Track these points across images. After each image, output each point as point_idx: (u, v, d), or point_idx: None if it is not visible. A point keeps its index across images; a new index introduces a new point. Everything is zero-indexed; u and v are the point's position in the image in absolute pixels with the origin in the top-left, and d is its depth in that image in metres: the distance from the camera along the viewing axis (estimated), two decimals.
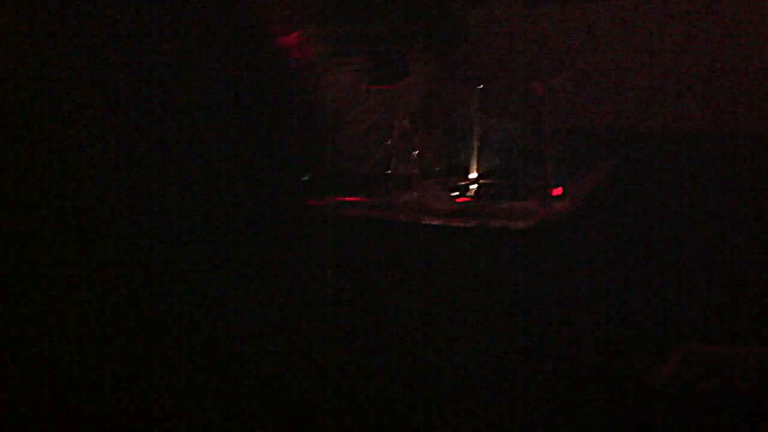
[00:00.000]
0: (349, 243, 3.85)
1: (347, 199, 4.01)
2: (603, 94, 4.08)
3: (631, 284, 3.65)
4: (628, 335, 3.59)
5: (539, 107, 3.92)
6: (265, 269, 3.73)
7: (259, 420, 3.30)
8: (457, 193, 3.98)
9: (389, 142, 4.03)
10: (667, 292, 3.63)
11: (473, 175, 4.00)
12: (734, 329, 3.57)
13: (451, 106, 4.06)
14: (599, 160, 4.10)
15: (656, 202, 3.88)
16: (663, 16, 4.09)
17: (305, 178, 4.02)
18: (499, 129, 3.97)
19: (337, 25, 4.03)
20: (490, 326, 3.69)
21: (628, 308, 3.64)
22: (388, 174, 4.02)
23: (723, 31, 4.03)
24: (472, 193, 3.97)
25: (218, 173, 3.73)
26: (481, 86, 3.99)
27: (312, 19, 4.00)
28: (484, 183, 3.99)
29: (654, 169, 3.95)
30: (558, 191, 3.88)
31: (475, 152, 3.98)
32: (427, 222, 3.88)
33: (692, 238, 3.72)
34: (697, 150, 3.90)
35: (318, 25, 3.96)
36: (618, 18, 4.12)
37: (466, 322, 3.73)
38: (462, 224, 3.86)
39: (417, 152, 4.02)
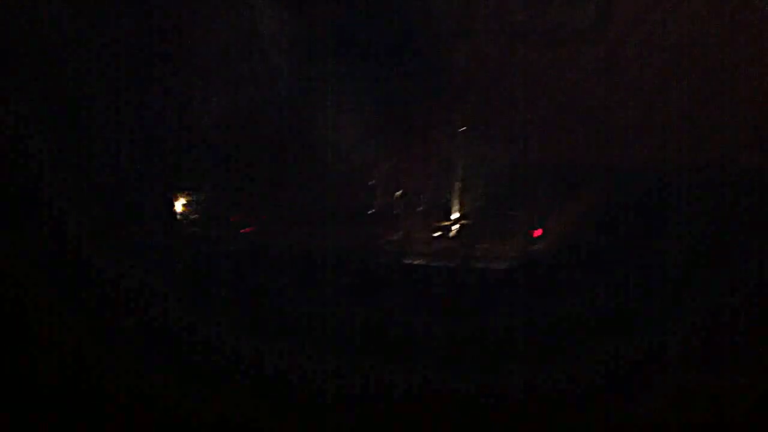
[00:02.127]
0: (330, 281, 3.88)
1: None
2: (584, 131, 4.11)
3: (614, 319, 3.69)
4: (615, 368, 3.63)
5: (521, 146, 3.97)
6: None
7: None
8: (439, 233, 4.01)
9: (372, 182, 4.07)
10: (651, 325, 3.67)
11: (455, 215, 4.03)
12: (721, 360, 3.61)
13: (433, 146, 4.09)
14: (580, 199, 4.12)
15: (638, 240, 3.90)
16: (645, 51, 4.10)
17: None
18: (481, 169, 4.01)
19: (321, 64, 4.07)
20: (471, 366, 3.72)
21: (610, 344, 3.67)
22: (371, 213, 4.05)
23: (708, 66, 4.05)
24: (453, 233, 4.00)
25: None
26: (464, 128, 4.03)
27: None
28: (465, 223, 4.01)
29: (636, 206, 3.97)
30: (538, 233, 3.92)
31: (457, 192, 4.01)
32: (409, 261, 3.91)
33: (675, 277, 3.75)
34: (680, 187, 3.92)
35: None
36: (599, 54, 4.15)
37: (448, 362, 3.76)
38: (443, 264, 3.89)
39: (400, 192, 4.06)
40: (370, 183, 4.08)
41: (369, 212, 4.07)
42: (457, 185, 4.01)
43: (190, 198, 4.10)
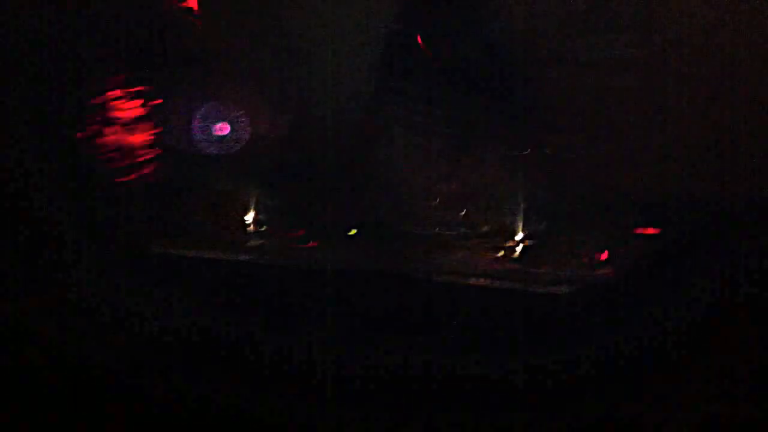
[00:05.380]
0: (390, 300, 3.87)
1: None
2: (649, 158, 4.08)
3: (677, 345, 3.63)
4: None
5: (583, 171, 3.96)
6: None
7: None
8: (502, 254, 3.99)
9: (435, 202, 4.08)
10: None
11: (518, 236, 4.01)
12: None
13: (498, 167, 4.10)
14: (645, 225, 4.09)
15: (700, 271, 3.84)
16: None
17: (352, 232, 4.07)
18: (544, 191, 4.00)
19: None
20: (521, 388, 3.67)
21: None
22: (434, 233, 4.06)
23: (747, 91, 4.00)
24: (516, 255, 3.98)
25: None
26: (528, 151, 4.04)
27: None
28: (528, 245, 3.99)
29: (700, 237, 3.93)
30: (604, 256, 3.88)
31: (521, 213, 4.00)
32: (471, 283, 3.88)
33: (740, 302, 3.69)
34: (743, 215, 3.87)
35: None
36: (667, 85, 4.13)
37: (503, 383, 3.72)
38: (506, 286, 3.86)
39: (463, 212, 4.06)
40: (434, 203, 4.09)
41: (433, 231, 4.07)
42: (522, 206, 4.00)
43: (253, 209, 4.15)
